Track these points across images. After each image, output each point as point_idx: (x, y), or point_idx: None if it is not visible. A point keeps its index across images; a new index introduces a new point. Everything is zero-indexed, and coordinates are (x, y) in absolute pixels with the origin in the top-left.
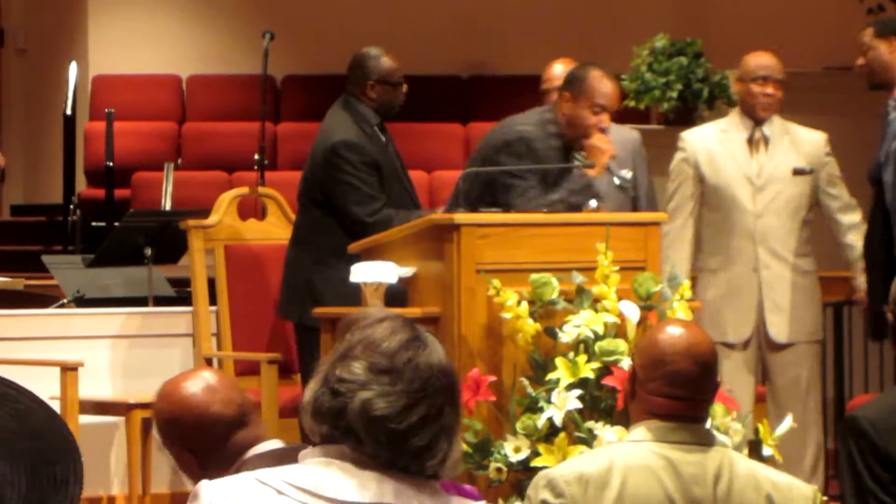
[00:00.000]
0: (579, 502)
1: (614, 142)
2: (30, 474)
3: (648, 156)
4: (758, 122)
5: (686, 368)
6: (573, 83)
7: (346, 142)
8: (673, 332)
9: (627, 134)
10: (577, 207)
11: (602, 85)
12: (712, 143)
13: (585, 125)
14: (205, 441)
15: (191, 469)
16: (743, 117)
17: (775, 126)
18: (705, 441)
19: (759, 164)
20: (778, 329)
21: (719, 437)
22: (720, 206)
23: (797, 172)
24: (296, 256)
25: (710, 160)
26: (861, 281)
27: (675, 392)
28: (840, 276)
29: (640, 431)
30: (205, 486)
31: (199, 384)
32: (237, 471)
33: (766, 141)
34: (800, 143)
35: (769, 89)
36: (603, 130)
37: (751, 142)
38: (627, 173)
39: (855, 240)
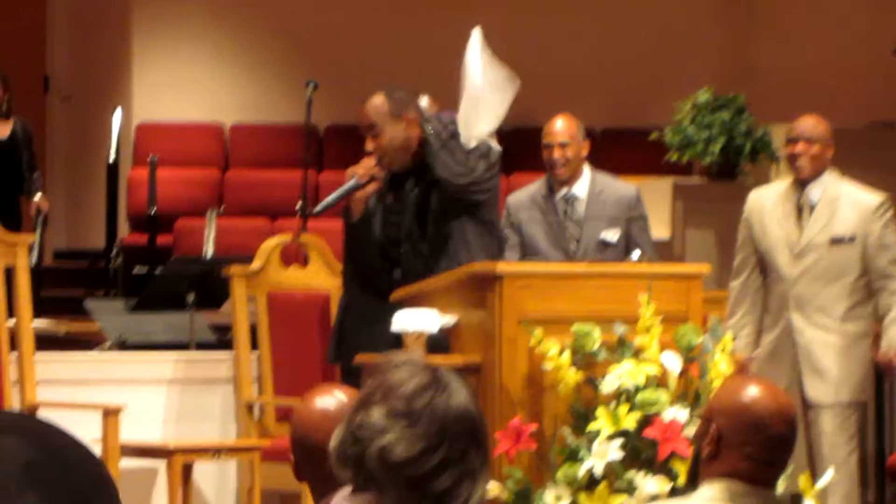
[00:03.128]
0: None
1: (609, 199)
2: None
3: (690, 209)
4: (803, 184)
5: (781, 432)
6: None
7: None
8: (761, 394)
9: (624, 190)
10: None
11: (358, 112)
12: (768, 204)
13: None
14: (304, 459)
15: (294, 471)
16: (794, 182)
17: (826, 189)
18: None
19: (801, 230)
20: (815, 391)
21: None
22: (766, 269)
23: (835, 242)
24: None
25: (761, 223)
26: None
27: (769, 456)
28: None
29: (713, 491)
30: None
31: (324, 405)
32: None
33: (810, 207)
34: (848, 208)
35: (797, 148)
36: (368, 154)
37: (799, 208)
38: (615, 233)
39: (885, 304)
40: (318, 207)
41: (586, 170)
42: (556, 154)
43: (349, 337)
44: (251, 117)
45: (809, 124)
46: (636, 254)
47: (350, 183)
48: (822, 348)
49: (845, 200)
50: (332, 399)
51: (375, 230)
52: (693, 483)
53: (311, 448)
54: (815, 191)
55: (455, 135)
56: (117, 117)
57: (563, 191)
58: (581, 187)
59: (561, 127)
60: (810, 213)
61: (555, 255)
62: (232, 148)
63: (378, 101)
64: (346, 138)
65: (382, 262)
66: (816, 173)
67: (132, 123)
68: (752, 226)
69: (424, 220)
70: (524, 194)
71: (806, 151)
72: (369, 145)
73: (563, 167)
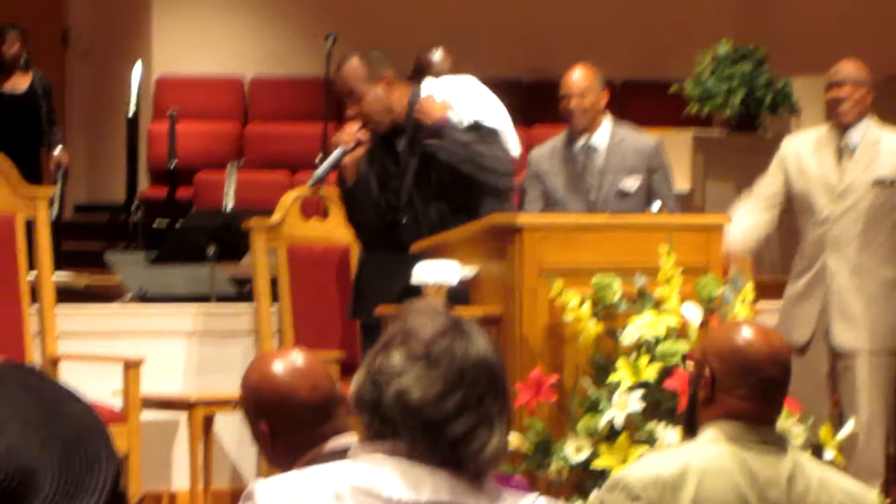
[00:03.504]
0: None
1: (629, 150)
2: (62, 457)
3: (710, 161)
4: (843, 129)
5: (775, 376)
6: None
7: None
8: (755, 337)
9: (643, 141)
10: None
11: (336, 79)
12: (806, 148)
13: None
14: (284, 422)
15: (263, 441)
16: (833, 127)
17: (866, 134)
18: (777, 443)
19: (842, 173)
20: (844, 337)
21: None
22: (802, 211)
23: (877, 183)
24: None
25: (799, 165)
26: None
27: (763, 398)
28: None
29: (714, 433)
30: (259, 486)
31: (291, 365)
32: (311, 460)
33: (851, 150)
34: (888, 152)
35: (842, 92)
36: (351, 119)
37: (839, 151)
38: (634, 181)
39: None
40: (311, 181)
41: (606, 120)
42: (574, 103)
43: (366, 292)
44: (271, 70)
45: (852, 68)
46: (656, 205)
47: (337, 151)
48: (855, 294)
49: (886, 144)
50: (293, 357)
51: (373, 194)
52: (690, 428)
53: (295, 408)
54: (855, 134)
55: (468, 143)
56: (137, 71)
57: (583, 141)
58: (600, 137)
59: (578, 76)
60: (851, 156)
61: (575, 205)
62: (252, 101)
63: (353, 64)
64: None
65: (382, 225)
66: (859, 117)
67: (152, 77)
68: (787, 167)
69: (425, 187)
70: (546, 147)
71: (851, 95)
72: (351, 111)
73: (581, 116)
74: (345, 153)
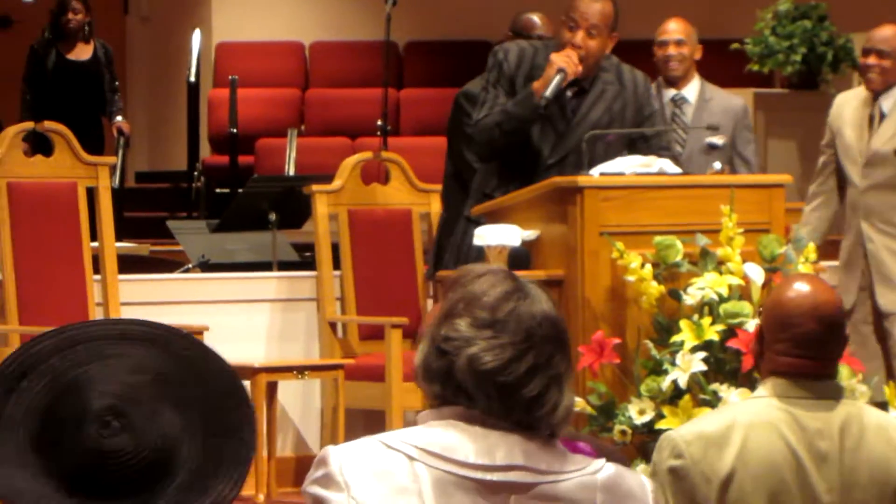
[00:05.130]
0: (699, 462)
1: (717, 108)
2: (204, 428)
3: (772, 120)
4: (875, 95)
5: (811, 329)
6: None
7: (465, 92)
8: (798, 292)
9: (732, 101)
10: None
11: (579, 2)
12: (848, 111)
13: (562, 41)
14: None
15: None
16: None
17: None
18: (831, 395)
19: (868, 141)
20: (886, 299)
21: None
22: (842, 175)
23: None
24: (439, 219)
25: (840, 129)
26: None
27: (800, 352)
28: None
29: (763, 389)
30: (332, 451)
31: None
32: None
33: (881, 116)
34: None
35: (869, 60)
36: (576, 47)
37: (871, 116)
38: (720, 139)
39: None
40: (550, 93)
41: (696, 76)
42: (672, 50)
43: (448, 252)
44: (331, 35)
45: (882, 36)
46: (717, 164)
47: (559, 77)
48: (891, 256)
49: None
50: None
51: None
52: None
53: None
54: (885, 102)
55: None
56: (197, 37)
57: (672, 93)
58: (690, 91)
59: (676, 25)
60: (879, 123)
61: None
62: (312, 66)
63: (609, 8)
64: (426, 55)
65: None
66: (887, 86)
67: (212, 43)
68: (832, 130)
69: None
70: None
71: (877, 64)
72: (580, 39)
73: (678, 63)
74: (564, 79)
